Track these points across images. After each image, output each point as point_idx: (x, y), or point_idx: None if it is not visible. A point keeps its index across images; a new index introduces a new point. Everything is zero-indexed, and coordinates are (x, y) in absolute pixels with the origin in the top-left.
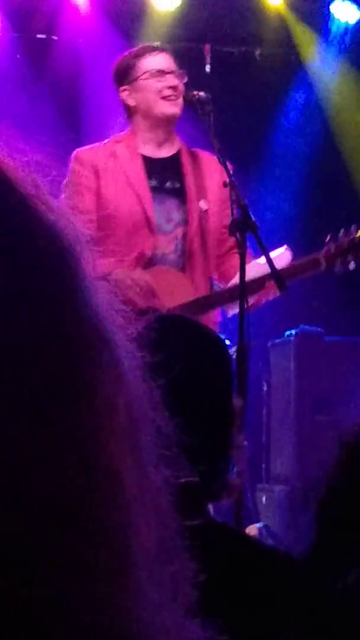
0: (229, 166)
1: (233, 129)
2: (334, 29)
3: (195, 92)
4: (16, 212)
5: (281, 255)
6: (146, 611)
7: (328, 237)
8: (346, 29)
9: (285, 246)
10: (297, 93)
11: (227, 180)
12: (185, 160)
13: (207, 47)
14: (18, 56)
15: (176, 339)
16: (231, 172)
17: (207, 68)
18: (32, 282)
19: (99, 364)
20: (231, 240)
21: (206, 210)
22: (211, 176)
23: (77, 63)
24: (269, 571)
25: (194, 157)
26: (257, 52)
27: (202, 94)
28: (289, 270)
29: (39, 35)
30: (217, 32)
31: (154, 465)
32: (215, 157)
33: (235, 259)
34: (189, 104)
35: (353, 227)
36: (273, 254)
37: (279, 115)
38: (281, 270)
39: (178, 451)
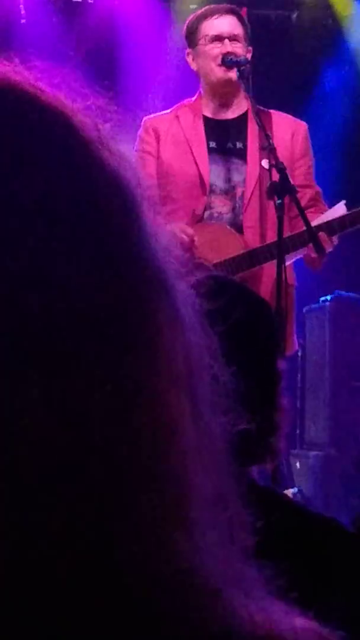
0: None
1: (270, 93)
2: None
3: (232, 54)
4: (80, 156)
5: (336, 209)
6: (203, 551)
7: None
8: None
9: (343, 201)
10: (334, 57)
11: (266, 143)
12: (252, 121)
13: (244, 10)
14: (54, 19)
15: (228, 297)
16: (271, 135)
17: (249, 32)
18: (96, 225)
19: (158, 309)
20: (306, 198)
21: (269, 169)
22: (283, 135)
23: (113, 26)
24: (315, 535)
25: (266, 117)
26: (294, 15)
27: (239, 56)
28: (338, 221)
29: None
30: None
31: (211, 412)
32: (289, 117)
33: (311, 216)
34: (226, 66)
35: None
36: (330, 212)
37: (316, 79)
38: (332, 220)
39: (235, 399)
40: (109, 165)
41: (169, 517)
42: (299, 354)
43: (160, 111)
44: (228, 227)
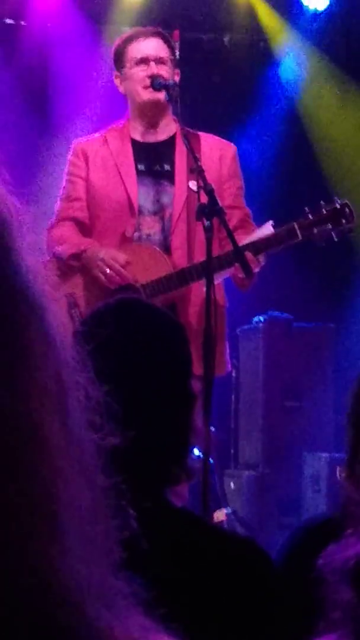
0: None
1: (201, 115)
2: (303, 15)
3: (159, 77)
4: None
5: (263, 229)
6: (69, 563)
7: (307, 208)
8: (315, 16)
9: (270, 221)
10: (266, 80)
11: (194, 165)
12: (180, 143)
13: (176, 33)
14: None
15: (132, 320)
16: (199, 157)
17: (176, 54)
18: None
19: (26, 326)
20: (235, 219)
21: (197, 191)
22: (211, 157)
23: (46, 49)
24: (222, 554)
25: (195, 139)
26: (227, 38)
27: (166, 79)
28: (265, 241)
29: (7, 20)
30: (186, 18)
31: (82, 429)
32: (218, 139)
33: (239, 237)
34: (156, 89)
35: (335, 198)
36: (258, 232)
37: (248, 102)
38: (258, 240)
39: (106, 416)
40: None
41: (37, 530)
42: (233, 374)
43: (91, 133)
44: (156, 248)
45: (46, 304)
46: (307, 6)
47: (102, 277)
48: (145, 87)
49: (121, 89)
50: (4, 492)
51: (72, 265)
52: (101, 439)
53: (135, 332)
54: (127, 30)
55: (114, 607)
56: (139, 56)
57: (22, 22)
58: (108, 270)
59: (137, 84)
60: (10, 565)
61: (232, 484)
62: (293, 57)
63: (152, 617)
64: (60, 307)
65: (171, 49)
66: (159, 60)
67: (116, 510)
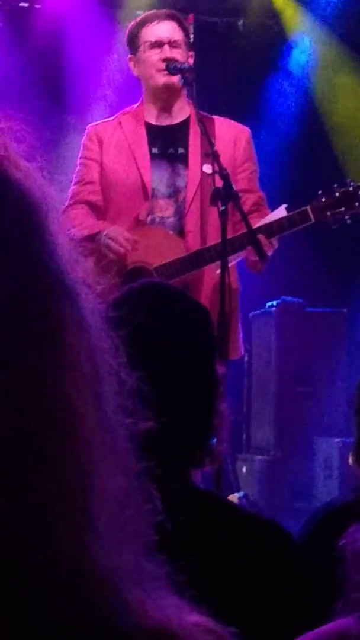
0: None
1: (215, 99)
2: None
3: (172, 60)
4: None
5: (277, 212)
6: (105, 547)
7: (320, 192)
8: (329, 0)
9: (284, 205)
10: (280, 64)
11: (209, 149)
12: (194, 126)
13: (191, 16)
14: (0, 24)
15: (157, 304)
16: (213, 141)
17: (190, 37)
18: (1, 235)
19: (61, 310)
20: (249, 203)
21: (212, 175)
22: (225, 141)
23: (60, 32)
24: (246, 534)
25: (209, 123)
26: (240, 22)
27: (180, 62)
28: (278, 224)
29: (21, 4)
30: (200, 2)
31: (115, 414)
32: (232, 122)
33: (253, 220)
34: (171, 73)
35: (349, 181)
36: (271, 215)
37: (262, 85)
38: (272, 223)
39: (139, 401)
40: (15, 179)
41: (71, 518)
42: (245, 359)
43: (105, 116)
44: (169, 231)
45: (80, 289)
46: None
47: (108, 252)
48: (160, 71)
49: (135, 72)
50: (39, 479)
51: (86, 248)
52: (133, 424)
53: (162, 315)
54: (141, 14)
55: (146, 587)
56: (152, 39)
57: (37, 5)
58: (112, 243)
59: (151, 67)
60: (47, 553)
61: (244, 469)
62: (307, 41)
63: (183, 597)
64: (93, 292)
65: (185, 31)
66: (173, 44)
67: (146, 494)
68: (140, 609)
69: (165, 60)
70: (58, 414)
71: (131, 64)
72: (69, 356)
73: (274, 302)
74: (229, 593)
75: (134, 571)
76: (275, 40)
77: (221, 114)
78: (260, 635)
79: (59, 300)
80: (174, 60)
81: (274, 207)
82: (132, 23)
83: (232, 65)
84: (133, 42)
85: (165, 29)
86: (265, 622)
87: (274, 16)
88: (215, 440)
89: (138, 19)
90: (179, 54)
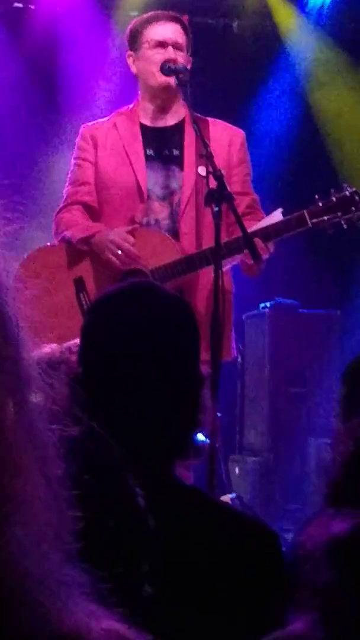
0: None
1: (210, 101)
2: (311, 2)
3: (173, 62)
4: None
5: (273, 216)
6: (20, 549)
7: (317, 196)
8: (323, 3)
9: (280, 209)
10: (275, 65)
11: (203, 151)
12: (189, 128)
13: (186, 17)
14: None
15: (141, 302)
16: (208, 143)
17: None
18: None
19: None
20: (243, 205)
21: (206, 177)
22: (220, 143)
23: (55, 33)
24: (229, 531)
25: (204, 125)
26: (235, 24)
27: (179, 64)
28: (275, 228)
29: (15, 4)
30: (195, 3)
31: (42, 419)
32: (227, 125)
33: (247, 223)
34: (165, 74)
35: (345, 186)
36: (267, 219)
37: (256, 87)
38: (268, 227)
39: (66, 407)
40: None
41: None
42: (239, 360)
43: (99, 117)
44: (165, 233)
45: (5, 300)
46: None
47: (114, 259)
48: (159, 70)
49: (133, 69)
50: None
51: (80, 250)
52: (60, 430)
53: (147, 314)
54: (135, 16)
55: (63, 594)
56: (156, 39)
57: (31, 6)
58: (119, 252)
59: (152, 65)
60: None
61: (237, 470)
62: (302, 43)
63: (103, 604)
64: (20, 303)
65: (188, 36)
66: (177, 46)
67: (69, 501)
68: (54, 614)
69: (167, 61)
70: None
71: (130, 60)
72: None
73: (268, 304)
74: (212, 587)
75: (54, 578)
76: (270, 42)
77: (215, 116)
78: (243, 633)
79: None
80: (173, 61)
81: (269, 210)
82: (136, 20)
83: (227, 67)
84: (135, 38)
85: (171, 31)
86: (248, 621)
87: (269, 18)
88: (203, 435)
89: (143, 16)
90: (181, 57)
